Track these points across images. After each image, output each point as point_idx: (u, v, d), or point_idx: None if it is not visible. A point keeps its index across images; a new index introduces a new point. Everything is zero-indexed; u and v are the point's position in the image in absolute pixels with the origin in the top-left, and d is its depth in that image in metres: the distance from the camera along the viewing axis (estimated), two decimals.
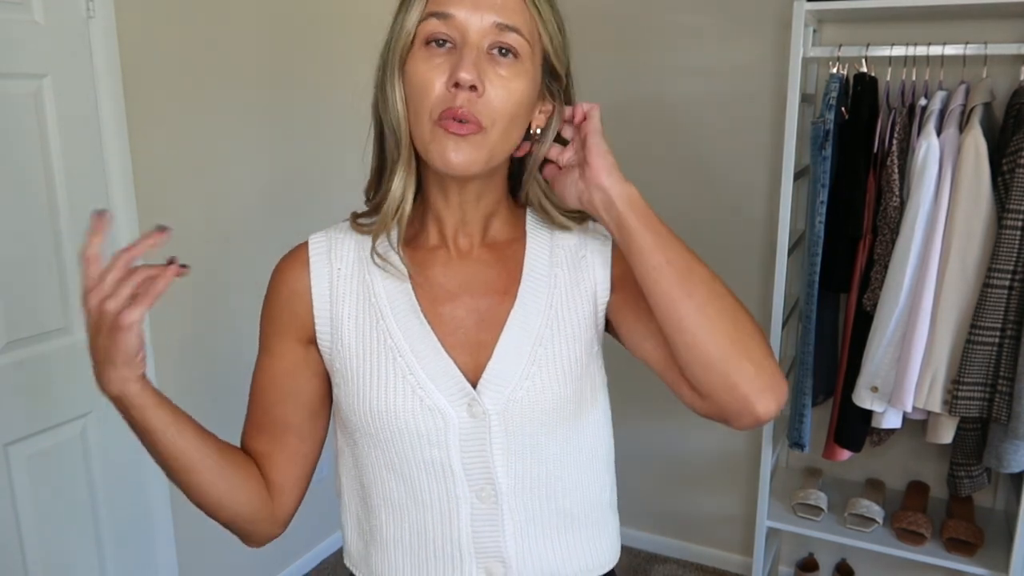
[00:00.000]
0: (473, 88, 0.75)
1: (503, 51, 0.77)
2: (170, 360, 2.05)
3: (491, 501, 0.85)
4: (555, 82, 0.84)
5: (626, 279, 0.88)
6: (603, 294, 0.89)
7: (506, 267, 0.88)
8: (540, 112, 0.84)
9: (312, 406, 0.90)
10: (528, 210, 0.91)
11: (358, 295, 0.86)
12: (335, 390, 0.88)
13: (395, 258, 0.85)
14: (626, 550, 2.70)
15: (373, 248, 0.84)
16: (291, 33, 2.33)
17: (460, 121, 0.75)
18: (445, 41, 0.76)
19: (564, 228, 0.89)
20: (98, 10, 1.78)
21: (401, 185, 0.82)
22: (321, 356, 0.88)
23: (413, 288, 0.85)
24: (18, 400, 1.72)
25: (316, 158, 2.46)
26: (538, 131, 0.84)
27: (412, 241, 0.88)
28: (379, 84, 0.82)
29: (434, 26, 0.76)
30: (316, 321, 0.86)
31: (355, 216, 0.88)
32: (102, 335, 0.71)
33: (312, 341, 0.87)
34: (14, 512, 1.74)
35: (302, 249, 0.88)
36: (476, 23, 0.75)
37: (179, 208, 2.05)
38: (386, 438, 0.84)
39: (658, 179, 2.44)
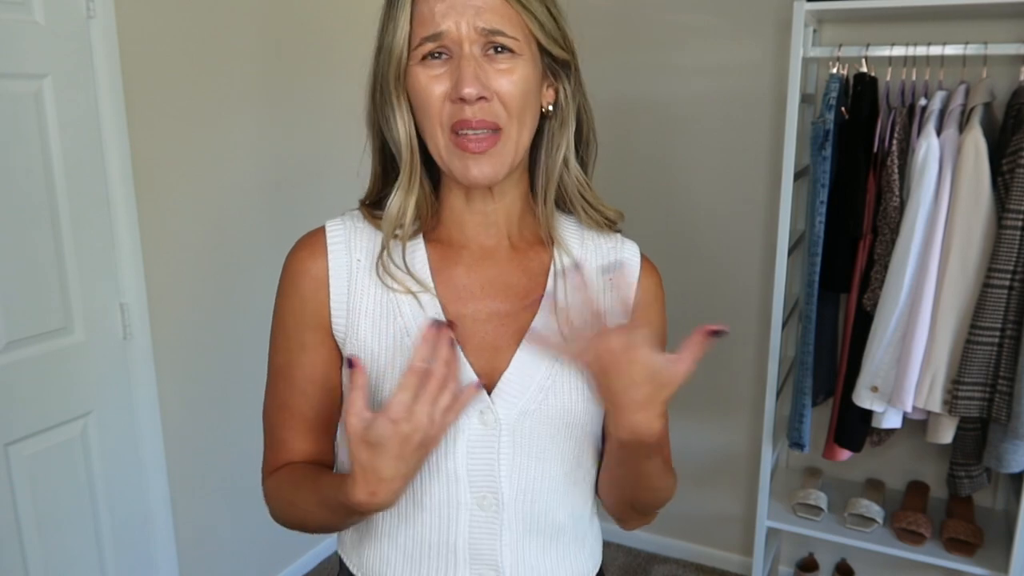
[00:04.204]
0: (481, 98, 0.76)
1: (497, 48, 0.77)
2: (171, 357, 2.05)
3: (492, 510, 0.84)
4: (559, 63, 0.83)
5: None
6: None
7: (528, 272, 0.87)
8: (548, 88, 0.84)
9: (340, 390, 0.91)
10: (556, 214, 0.89)
11: (376, 288, 0.84)
12: (344, 380, 0.87)
13: (419, 273, 0.84)
14: (626, 550, 2.71)
15: (380, 258, 0.83)
16: (292, 33, 2.33)
17: (475, 132, 0.76)
18: (440, 53, 0.77)
19: (596, 229, 0.90)
20: (98, 10, 1.78)
21: (399, 205, 0.82)
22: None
23: (435, 287, 0.85)
24: (18, 400, 1.72)
25: (318, 159, 2.46)
26: (550, 107, 0.84)
27: (433, 235, 0.88)
28: (378, 105, 0.82)
29: (427, 48, 0.77)
30: (332, 311, 0.84)
31: (367, 207, 0.87)
32: (405, 454, 0.72)
33: (329, 328, 0.86)
34: (14, 512, 1.74)
35: (319, 235, 0.86)
36: (464, 30, 0.76)
37: (179, 208, 2.04)
38: None
39: (658, 179, 2.43)
